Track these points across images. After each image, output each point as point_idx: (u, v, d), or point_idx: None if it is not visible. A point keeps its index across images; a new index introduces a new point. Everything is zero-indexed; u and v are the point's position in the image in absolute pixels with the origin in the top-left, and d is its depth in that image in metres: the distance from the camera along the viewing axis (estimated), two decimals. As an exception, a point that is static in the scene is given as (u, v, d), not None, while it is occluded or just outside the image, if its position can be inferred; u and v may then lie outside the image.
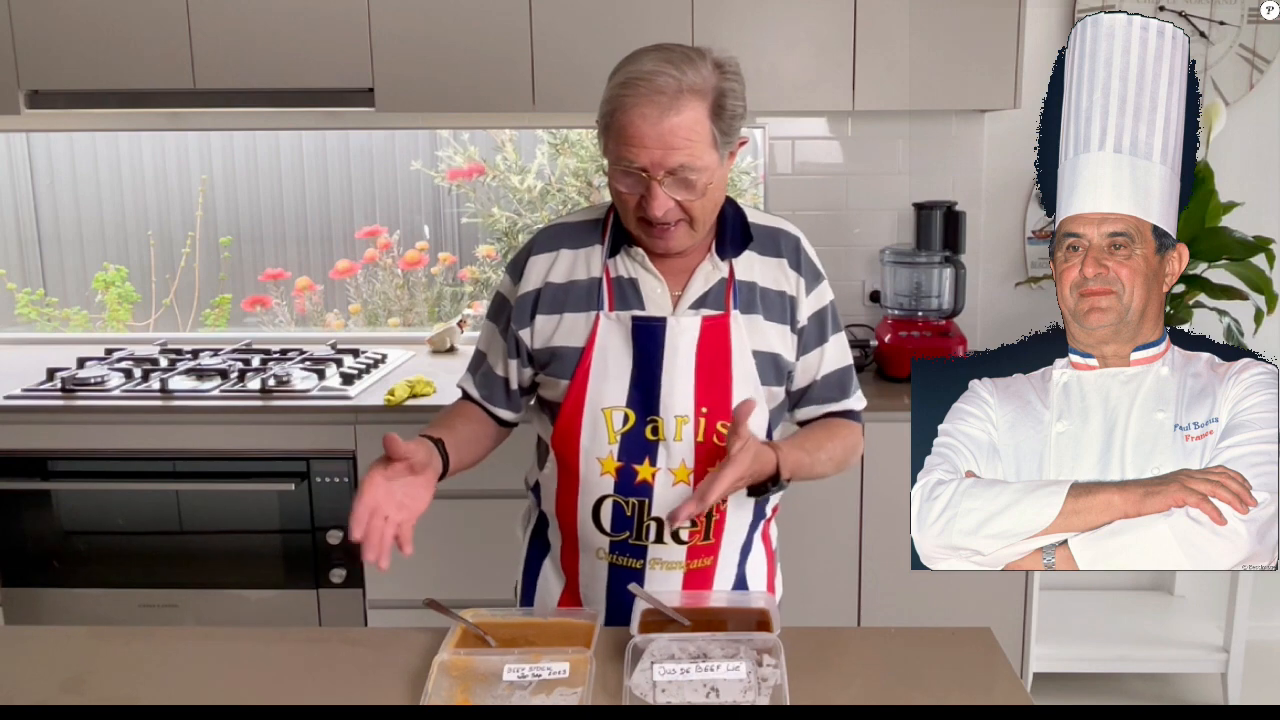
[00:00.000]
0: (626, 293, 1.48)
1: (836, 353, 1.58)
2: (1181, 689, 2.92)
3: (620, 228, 1.49)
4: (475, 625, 1.36)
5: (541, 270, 1.51)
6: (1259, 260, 2.60)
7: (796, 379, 1.56)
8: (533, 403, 1.61)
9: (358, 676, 1.32)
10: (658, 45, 1.39)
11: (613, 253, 1.49)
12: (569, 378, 1.48)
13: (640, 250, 1.48)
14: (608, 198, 1.50)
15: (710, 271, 1.49)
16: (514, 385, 1.57)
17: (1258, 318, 2.60)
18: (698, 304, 1.48)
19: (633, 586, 1.41)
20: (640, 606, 1.38)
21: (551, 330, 1.50)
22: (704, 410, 1.46)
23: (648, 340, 1.46)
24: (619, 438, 1.47)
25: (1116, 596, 3.08)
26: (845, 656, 1.37)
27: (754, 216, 1.55)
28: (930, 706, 1.24)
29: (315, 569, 2.59)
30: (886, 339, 2.75)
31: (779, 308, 1.51)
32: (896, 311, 2.84)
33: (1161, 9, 2.82)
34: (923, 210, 2.78)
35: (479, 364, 1.61)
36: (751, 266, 1.51)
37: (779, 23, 2.57)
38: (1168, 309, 2.70)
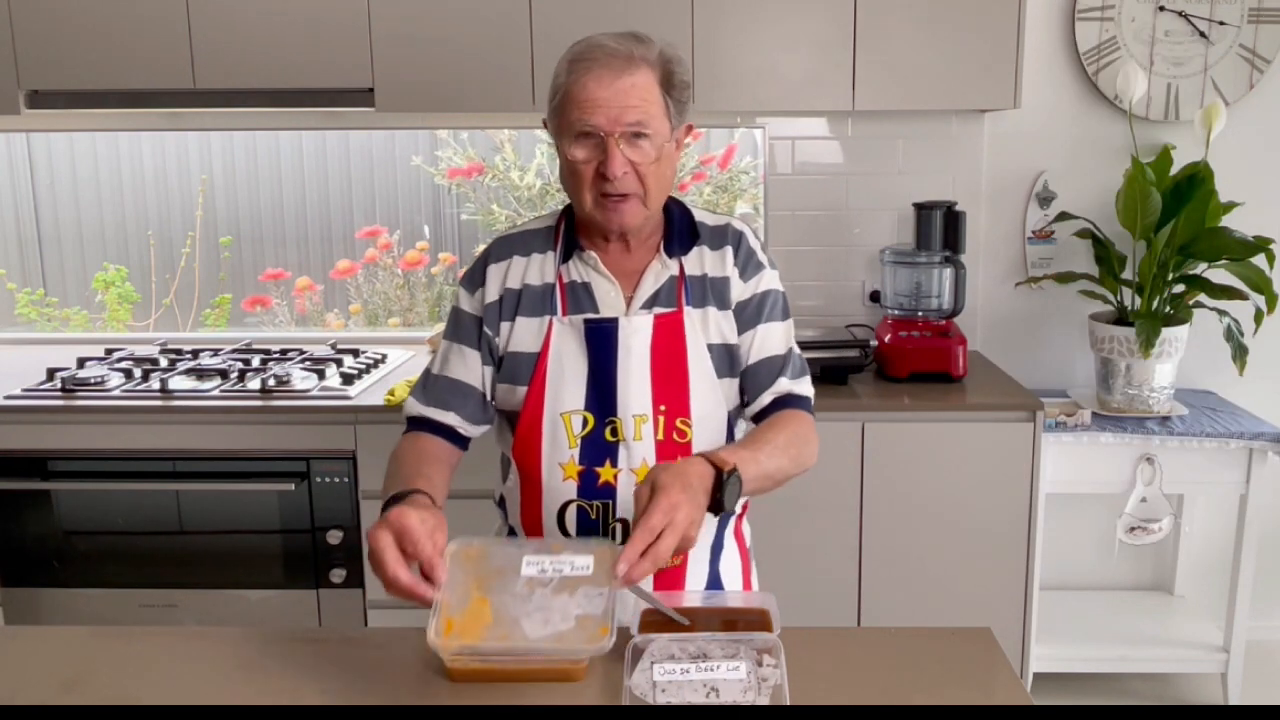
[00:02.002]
0: (580, 297, 1.50)
1: (771, 338, 1.54)
2: (1181, 689, 2.92)
3: (572, 233, 1.52)
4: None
5: (498, 279, 1.53)
6: (1259, 260, 2.60)
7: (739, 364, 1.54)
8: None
9: (358, 676, 1.32)
10: (604, 33, 1.45)
11: (565, 258, 1.52)
12: (525, 384, 1.49)
13: (593, 254, 1.50)
14: None
15: (660, 270, 1.51)
16: (488, 395, 1.55)
17: (1258, 318, 2.60)
18: (649, 303, 1.50)
19: (632, 586, 1.41)
20: (640, 606, 1.38)
21: (508, 335, 1.51)
22: (662, 408, 1.48)
23: (601, 342, 1.47)
24: (579, 441, 1.47)
25: (1116, 596, 3.08)
26: (845, 656, 1.37)
27: (701, 216, 1.57)
28: (930, 706, 1.23)
29: (315, 569, 2.59)
30: (886, 339, 2.74)
31: (725, 295, 1.52)
32: (896, 311, 2.84)
33: (1161, 9, 2.82)
34: (923, 210, 2.78)
35: (437, 385, 1.55)
36: (702, 260, 1.53)
37: (779, 23, 2.57)
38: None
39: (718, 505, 1.32)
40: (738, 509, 1.60)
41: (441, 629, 1.18)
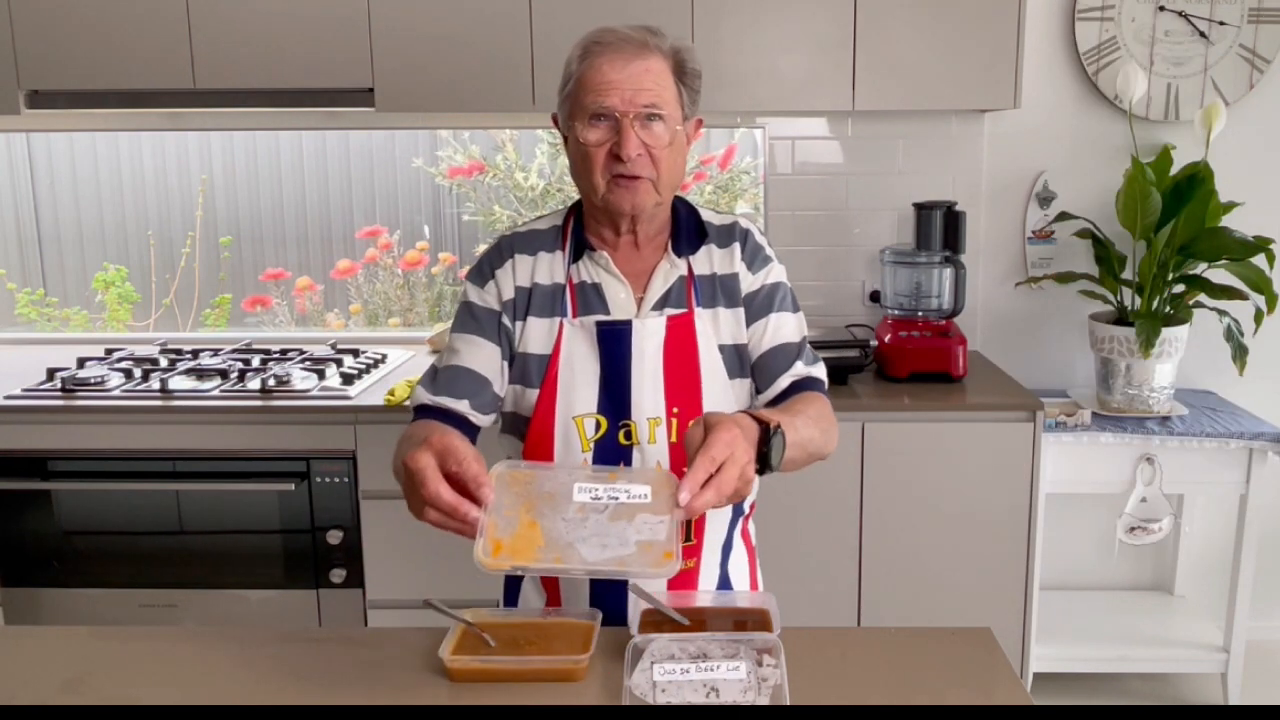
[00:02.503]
0: (590, 298, 1.49)
1: (786, 327, 1.53)
2: (1181, 689, 2.92)
3: (581, 233, 1.50)
4: (475, 625, 1.36)
5: (510, 276, 1.51)
6: (1259, 260, 2.60)
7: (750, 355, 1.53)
8: (498, 425, 1.57)
9: (358, 676, 1.32)
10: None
11: (575, 258, 1.51)
12: (536, 386, 1.48)
13: (604, 255, 1.49)
14: None
15: (669, 270, 1.50)
16: (497, 388, 1.51)
17: (1258, 318, 2.60)
18: (660, 304, 1.49)
19: (632, 586, 1.41)
20: (640, 606, 1.38)
21: (519, 335, 1.50)
22: (675, 411, 1.46)
23: (614, 344, 1.46)
24: (592, 445, 1.46)
25: (1116, 596, 3.08)
26: (845, 656, 1.37)
27: (708, 215, 1.57)
28: (930, 706, 1.23)
29: (315, 569, 2.59)
30: (886, 339, 2.74)
31: (735, 290, 1.52)
32: (896, 311, 2.84)
33: (1161, 9, 2.82)
34: (923, 210, 2.78)
35: (448, 375, 1.50)
36: (710, 260, 1.52)
37: (779, 23, 2.57)
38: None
39: (763, 460, 1.26)
40: (745, 508, 1.60)
41: (489, 549, 1.13)
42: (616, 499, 1.16)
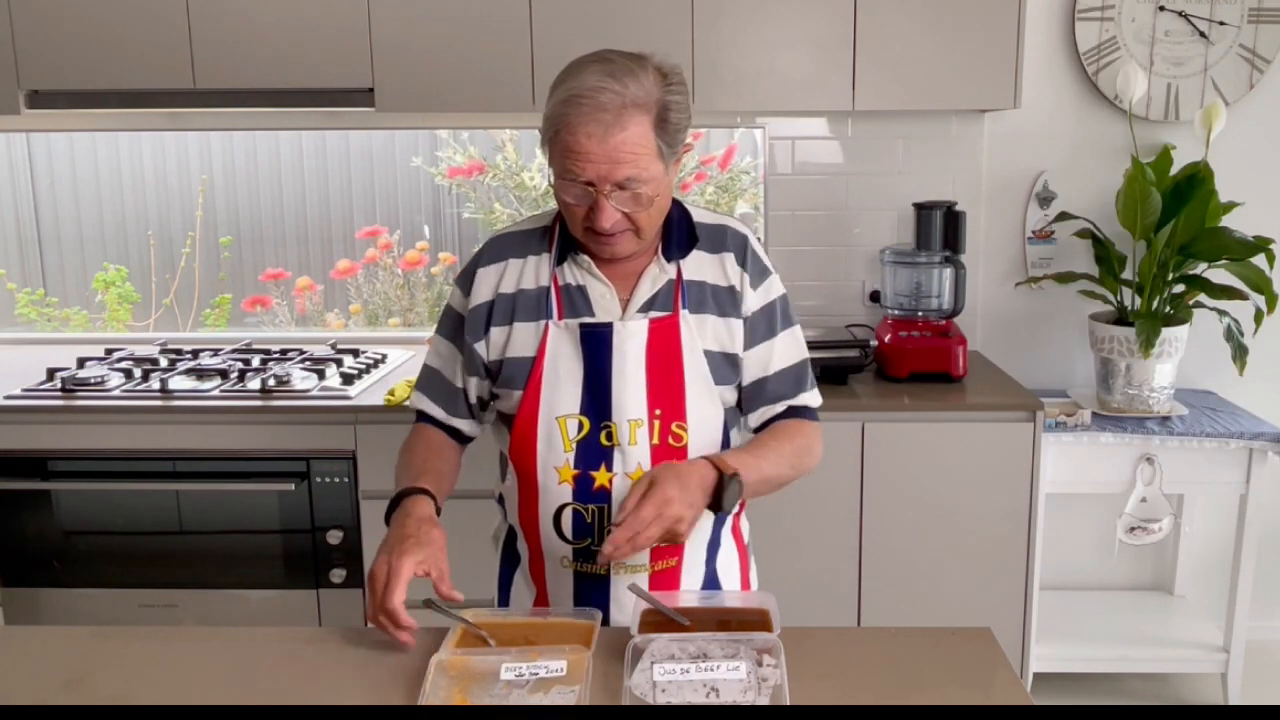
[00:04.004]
0: (575, 300, 1.49)
1: (788, 348, 1.55)
2: (1181, 689, 2.92)
3: (567, 235, 1.50)
4: (475, 625, 1.36)
5: (491, 282, 1.52)
6: (1259, 260, 2.60)
7: (746, 373, 1.53)
8: (493, 417, 1.61)
9: (358, 676, 1.32)
10: (599, 55, 1.40)
11: (560, 260, 1.51)
12: (522, 388, 1.49)
13: (587, 257, 1.49)
14: None
15: (657, 274, 1.50)
16: (473, 398, 1.57)
17: (1258, 318, 2.60)
18: (646, 307, 1.49)
19: (632, 586, 1.41)
20: (640, 606, 1.38)
21: (504, 341, 1.51)
22: (657, 413, 1.47)
23: (596, 346, 1.47)
24: (574, 445, 1.47)
25: (1116, 596, 3.08)
26: (845, 656, 1.37)
27: (700, 216, 1.56)
28: (930, 706, 1.23)
29: (315, 569, 2.59)
30: (886, 339, 2.75)
31: (729, 303, 1.51)
32: (896, 311, 2.84)
33: (1161, 9, 2.82)
34: (923, 210, 2.78)
35: (433, 380, 1.59)
36: (700, 265, 1.52)
37: (779, 23, 2.57)
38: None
39: (716, 505, 1.38)
40: (735, 508, 1.60)
41: None
42: (536, 674, 1.27)
